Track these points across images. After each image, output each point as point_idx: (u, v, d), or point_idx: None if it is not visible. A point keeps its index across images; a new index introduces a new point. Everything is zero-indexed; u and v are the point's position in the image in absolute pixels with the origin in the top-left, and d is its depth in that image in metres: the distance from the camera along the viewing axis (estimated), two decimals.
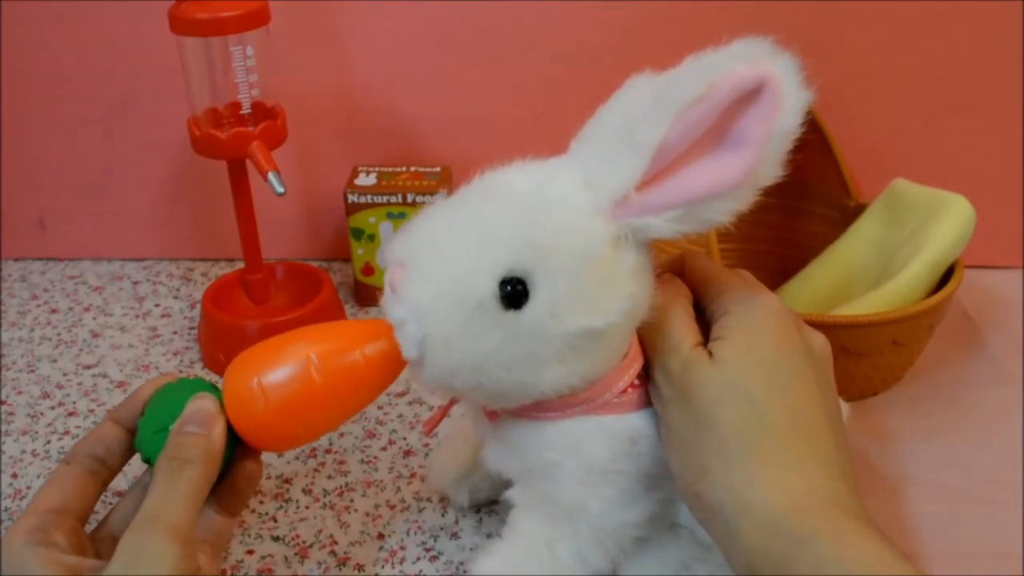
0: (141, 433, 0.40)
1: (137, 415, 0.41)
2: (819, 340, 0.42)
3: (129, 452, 0.41)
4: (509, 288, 0.37)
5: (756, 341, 0.39)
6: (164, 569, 0.34)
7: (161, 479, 0.37)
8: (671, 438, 0.40)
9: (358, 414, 0.61)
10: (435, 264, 0.37)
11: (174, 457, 0.37)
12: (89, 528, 0.40)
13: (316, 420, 0.40)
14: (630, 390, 0.41)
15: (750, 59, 0.35)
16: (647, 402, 0.42)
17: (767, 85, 0.35)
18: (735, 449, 0.37)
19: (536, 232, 0.37)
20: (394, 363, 0.39)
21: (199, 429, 0.38)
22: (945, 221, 0.59)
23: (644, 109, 0.36)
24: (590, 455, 0.41)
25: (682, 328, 0.41)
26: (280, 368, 0.39)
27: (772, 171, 0.37)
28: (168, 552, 0.34)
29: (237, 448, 0.40)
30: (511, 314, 0.37)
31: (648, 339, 0.42)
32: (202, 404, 0.39)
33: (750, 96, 0.35)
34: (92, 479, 0.40)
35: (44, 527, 0.37)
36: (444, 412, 0.47)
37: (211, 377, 0.66)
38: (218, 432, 0.38)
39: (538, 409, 0.41)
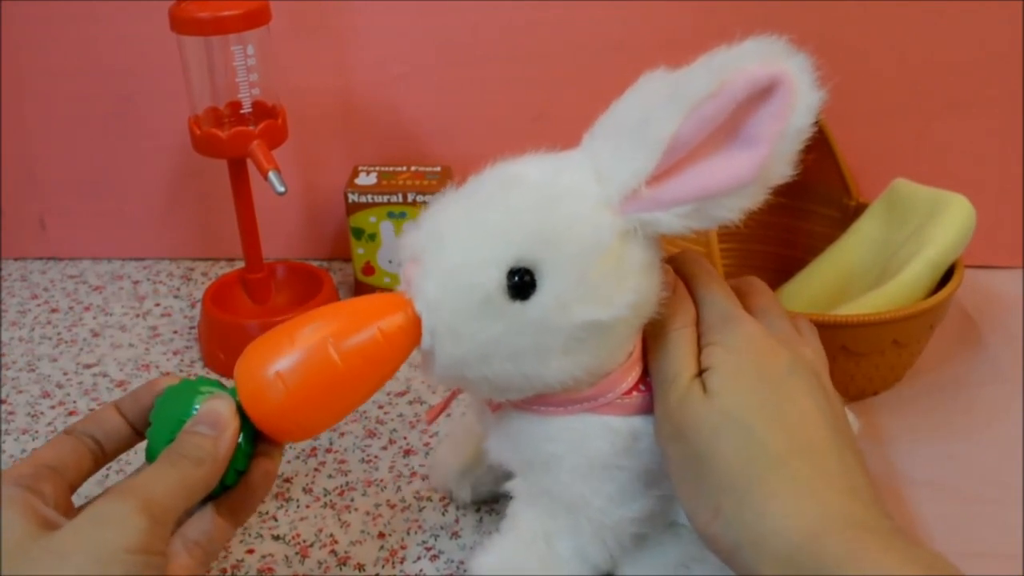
0: (150, 440, 0.38)
1: (143, 409, 0.40)
2: (809, 349, 0.41)
3: (126, 442, 0.40)
4: (516, 279, 0.37)
5: (743, 369, 0.39)
6: (123, 535, 0.32)
7: (156, 465, 0.36)
8: (676, 475, 0.39)
9: (357, 412, 0.62)
10: (445, 255, 0.38)
11: (176, 452, 0.36)
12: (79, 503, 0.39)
13: (338, 403, 0.39)
14: (635, 393, 0.41)
15: (764, 57, 0.35)
16: (650, 408, 0.41)
17: (781, 84, 0.35)
18: (742, 483, 0.36)
19: (545, 224, 0.37)
20: (410, 336, 0.38)
21: (210, 431, 0.37)
22: (945, 221, 0.59)
23: (657, 104, 0.36)
24: (592, 449, 0.41)
25: (683, 358, 0.40)
26: (297, 353, 0.37)
27: (783, 169, 0.37)
28: (131, 520, 0.33)
29: (256, 445, 0.39)
30: (518, 305, 0.37)
31: (650, 357, 0.41)
32: (216, 405, 0.37)
33: (763, 94, 0.36)
34: (89, 453, 0.39)
35: (35, 476, 0.36)
36: (446, 403, 0.47)
37: (212, 378, 0.67)
38: (228, 436, 0.37)
39: (541, 403, 0.41)
